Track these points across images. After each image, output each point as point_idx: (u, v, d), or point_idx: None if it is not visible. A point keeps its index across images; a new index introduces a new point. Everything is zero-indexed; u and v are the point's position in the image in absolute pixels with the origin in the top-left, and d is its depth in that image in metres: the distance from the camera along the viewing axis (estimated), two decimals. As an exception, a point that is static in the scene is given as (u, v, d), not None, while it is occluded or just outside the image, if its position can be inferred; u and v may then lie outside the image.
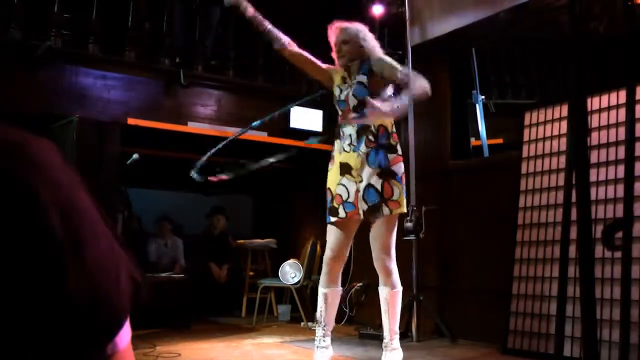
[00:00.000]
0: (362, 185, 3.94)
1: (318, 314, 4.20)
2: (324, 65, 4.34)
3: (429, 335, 5.69)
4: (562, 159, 4.86)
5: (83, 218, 0.72)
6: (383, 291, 4.10)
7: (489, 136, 6.55)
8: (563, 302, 2.01)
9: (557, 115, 5.07)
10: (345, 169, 4.01)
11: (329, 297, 4.13)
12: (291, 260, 6.98)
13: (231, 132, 6.77)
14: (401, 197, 3.98)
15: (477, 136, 6.60)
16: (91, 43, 6.13)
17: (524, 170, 5.23)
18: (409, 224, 5.42)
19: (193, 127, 6.61)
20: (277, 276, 6.96)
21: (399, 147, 4.09)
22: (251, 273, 7.91)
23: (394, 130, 4.11)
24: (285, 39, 4.33)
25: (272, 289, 7.39)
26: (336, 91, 4.22)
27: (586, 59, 1.81)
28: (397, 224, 4.09)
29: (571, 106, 1.78)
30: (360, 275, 6.67)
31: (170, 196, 9.51)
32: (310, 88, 7.48)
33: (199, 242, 8.29)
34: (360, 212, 3.94)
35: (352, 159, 3.99)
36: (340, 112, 4.18)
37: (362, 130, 4.02)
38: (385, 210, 3.91)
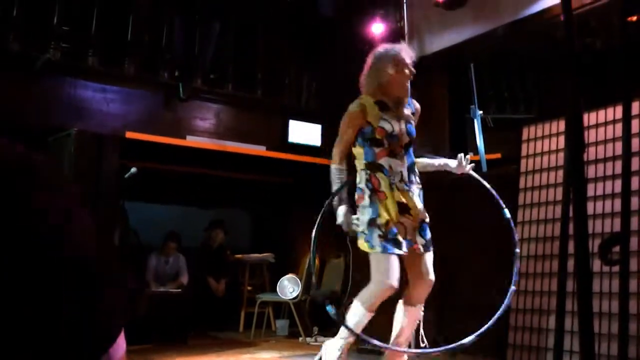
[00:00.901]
0: (417, 221, 4.00)
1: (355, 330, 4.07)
2: (355, 123, 4.01)
3: (427, 350, 5.67)
4: (560, 173, 4.87)
5: (79, 233, 0.72)
6: (419, 309, 4.15)
7: (487, 151, 6.54)
8: (562, 316, 2.01)
9: (554, 130, 5.09)
10: (403, 208, 3.95)
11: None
12: (289, 275, 6.97)
13: (230, 146, 6.79)
14: None
15: (475, 151, 6.58)
16: (90, 56, 6.15)
17: (522, 184, 5.24)
18: (407, 238, 5.41)
19: (192, 140, 6.62)
20: (275, 291, 6.95)
21: None
22: (249, 287, 7.90)
23: None
24: (344, 171, 4.11)
25: (270, 303, 7.38)
26: (385, 124, 3.94)
27: (582, 75, 1.82)
28: None
29: (568, 122, 1.79)
30: (358, 289, 6.64)
31: (169, 210, 9.51)
32: (308, 101, 7.51)
33: (196, 256, 8.27)
34: (420, 247, 4.00)
35: (408, 199, 3.96)
36: (386, 145, 3.95)
37: (411, 170, 4.05)
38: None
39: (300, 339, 6.75)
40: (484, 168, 6.46)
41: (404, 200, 3.93)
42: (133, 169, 5.84)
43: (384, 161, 3.95)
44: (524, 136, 5.35)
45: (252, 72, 7.34)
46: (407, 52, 4.01)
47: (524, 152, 5.31)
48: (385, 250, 3.89)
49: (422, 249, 3.99)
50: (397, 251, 3.89)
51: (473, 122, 6.61)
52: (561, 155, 4.95)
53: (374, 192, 3.96)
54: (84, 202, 0.75)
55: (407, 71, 3.97)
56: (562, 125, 5.01)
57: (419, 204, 3.99)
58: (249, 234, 10.21)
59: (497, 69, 7.68)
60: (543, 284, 4.83)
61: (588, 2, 4.98)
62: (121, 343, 0.77)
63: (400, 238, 3.92)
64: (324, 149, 7.30)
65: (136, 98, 6.38)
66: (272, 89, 7.38)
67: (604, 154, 4.61)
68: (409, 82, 4.01)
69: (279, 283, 6.95)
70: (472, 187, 5.90)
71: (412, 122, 4.07)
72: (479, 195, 5.81)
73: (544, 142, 5.16)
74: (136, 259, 7.71)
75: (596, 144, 4.68)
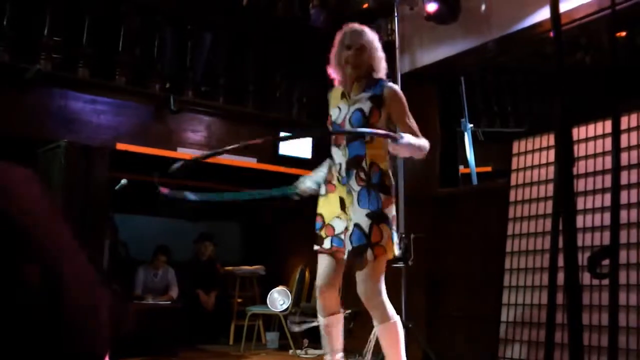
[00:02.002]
0: (351, 224, 3.56)
1: (322, 345, 3.87)
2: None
3: (417, 363, 5.67)
4: (550, 186, 4.89)
5: (60, 249, 0.70)
6: (376, 328, 3.74)
7: (477, 164, 6.59)
8: (552, 329, 2.01)
9: (544, 144, 5.11)
10: (343, 204, 3.64)
11: (327, 325, 3.77)
12: (280, 287, 6.96)
13: (221, 158, 6.77)
14: (389, 243, 3.56)
15: (466, 164, 6.63)
16: (81, 67, 6.13)
17: (512, 198, 5.26)
18: (397, 251, 5.40)
19: (182, 153, 6.60)
20: (266, 303, 6.93)
21: (392, 189, 3.67)
22: (239, 300, 7.88)
23: (388, 169, 3.69)
24: None
25: (261, 316, 7.36)
26: (334, 112, 3.79)
27: (572, 90, 1.83)
28: (385, 268, 3.66)
29: (557, 136, 1.80)
30: (348, 302, 6.64)
31: (158, 223, 9.48)
32: (299, 114, 7.51)
33: (187, 269, 8.24)
34: (346, 251, 3.58)
35: (345, 194, 3.63)
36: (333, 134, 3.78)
37: (352, 163, 3.62)
38: (370, 255, 3.49)
39: (291, 351, 6.73)
40: (475, 181, 6.50)
41: (342, 195, 3.65)
42: (123, 181, 5.82)
43: (332, 151, 3.75)
44: (515, 150, 5.37)
45: (243, 84, 7.34)
46: (349, 32, 3.77)
47: (514, 166, 5.33)
48: (315, 247, 3.75)
49: (346, 255, 3.60)
50: (316, 247, 3.70)
51: (464, 136, 6.65)
52: (551, 168, 4.96)
53: (326, 183, 3.77)
54: (66, 218, 0.74)
55: (347, 46, 3.72)
56: (552, 139, 5.03)
57: (357, 205, 3.57)
58: (240, 246, 10.19)
59: (488, 83, 7.74)
60: (533, 297, 4.84)
61: (578, 17, 5.01)
62: None
63: (324, 234, 3.66)
64: (315, 162, 7.30)
65: (127, 110, 6.36)
66: (263, 101, 7.37)
67: (594, 167, 4.63)
68: (356, 63, 3.71)
69: (269, 295, 6.93)
70: (463, 201, 5.94)
71: (364, 112, 3.64)
72: (469, 209, 5.84)
73: (534, 156, 5.18)
74: (125, 272, 7.69)
75: (586, 157, 4.70)
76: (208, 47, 7.20)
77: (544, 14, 5.24)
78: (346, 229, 3.60)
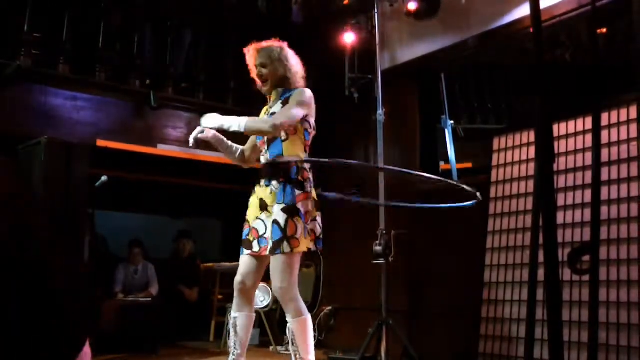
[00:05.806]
0: (270, 221, 3.76)
1: (229, 340, 3.96)
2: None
3: (398, 359, 5.68)
4: (531, 183, 4.91)
5: (33, 243, 0.69)
6: (291, 322, 3.78)
7: (458, 160, 6.60)
8: (532, 325, 2.02)
9: (525, 141, 5.13)
10: (263, 205, 3.83)
11: (238, 321, 3.90)
12: (260, 284, 6.94)
13: (201, 155, 6.75)
14: (302, 236, 3.72)
15: (446, 160, 6.64)
16: (61, 63, 6.09)
17: (492, 194, 5.28)
18: (378, 248, 5.41)
19: (163, 149, 6.58)
20: (246, 300, 6.90)
21: (307, 185, 3.83)
22: (220, 297, 7.85)
23: (305, 166, 3.87)
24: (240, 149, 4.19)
25: (241, 312, 7.33)
26: None
27: (552, 86, 1.84)
28: (299, 261, 3.83)
29: (537, 132, 1.81)
30: (329, 299, 6.66)
31: (139, 219, 9.43)
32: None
33: (166, 265, 8.21)
34: (269, 248, 3.73)
35: (267, 195, 3.82)
36: (258, 142, 4.02)
37: (272, 165, 3.86)
38: (286, 247, 3.66)
39: (271, 348, 6.72)
40: (455, 177, 6.51)
41: (262, 196, 3.85)
42: (104, 178, 5.78)
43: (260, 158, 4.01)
44: (495, 146, 5.39)
45: (224, 81, 7.32)
46: (251, 52, 4.24)
47: (494, 162, 5.35)
48: (242, 253, 3.94)
49: (268, 251, 3.75)
50: (245, 252, 3.89)
51: (444, 132, 6.66)
52: (532, 165, 4.99)
53: (254, 189, 3.99)
54: (42, 213, 0.73)
55: (253, 68, 4.18)
56: (532, 135, 5.06)
57: (274, 201, 3.77)
58: (220, 242, 10.16)
59: (468, 79, 7.76)
60: (513, 293, 4.86)
61: (558, 14, 5.04)
62: (87, 352, 0.75)
63: (251, 238, 3.88)
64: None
65: (107, 106, 6.33)
66: (243, 98, 7.35)
67: (574, 164, 4.66)
68: (258, 77, 4.16)
69: (250, 292, 6.90)
70: (443, 197, 5.94)
71: (276, 111, 3.91)
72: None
73: (514, 152, 5.21)
74: (105, 269, 7.64)
75: (566, 154, 4.73)
76: (188, 44, 7.17)
77: (524, 10, 5.26)
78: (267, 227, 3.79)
